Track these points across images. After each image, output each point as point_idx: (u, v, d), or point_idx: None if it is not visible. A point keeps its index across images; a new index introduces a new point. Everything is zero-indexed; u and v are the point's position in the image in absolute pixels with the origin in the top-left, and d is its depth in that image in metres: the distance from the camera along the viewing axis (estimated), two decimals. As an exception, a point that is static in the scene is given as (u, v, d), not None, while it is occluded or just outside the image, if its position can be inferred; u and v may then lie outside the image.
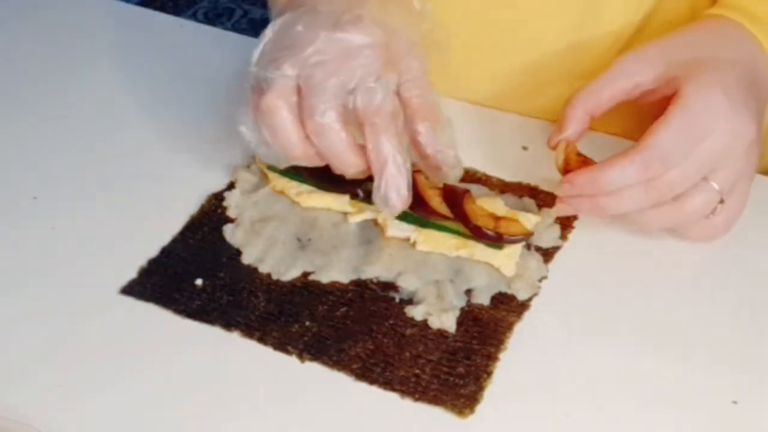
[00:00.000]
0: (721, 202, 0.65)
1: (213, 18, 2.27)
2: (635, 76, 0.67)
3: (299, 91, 0.62)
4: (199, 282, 0.66)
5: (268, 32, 0.65)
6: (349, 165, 0.63)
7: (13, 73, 0.88)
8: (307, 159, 0.64)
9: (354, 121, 0.62)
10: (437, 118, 0.64)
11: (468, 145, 0.76)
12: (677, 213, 0.65)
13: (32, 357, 0.63)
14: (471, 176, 0.73)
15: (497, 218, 0.67)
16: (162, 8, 1.92)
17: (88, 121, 0.82)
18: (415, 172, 0.65)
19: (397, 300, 0.65)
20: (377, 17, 0.65)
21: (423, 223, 0.67)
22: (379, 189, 0.62)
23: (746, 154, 0.64)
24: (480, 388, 0.60)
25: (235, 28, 2.23)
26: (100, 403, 0.60)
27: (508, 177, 0.73)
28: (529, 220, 0.68)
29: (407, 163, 0.62)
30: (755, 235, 0.70)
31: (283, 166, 0.67)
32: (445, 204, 0.67)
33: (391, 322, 0.64)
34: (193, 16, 2.28)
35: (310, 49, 0.63)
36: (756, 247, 0.69)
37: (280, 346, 0.63)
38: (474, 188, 0.71)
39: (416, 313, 0.64)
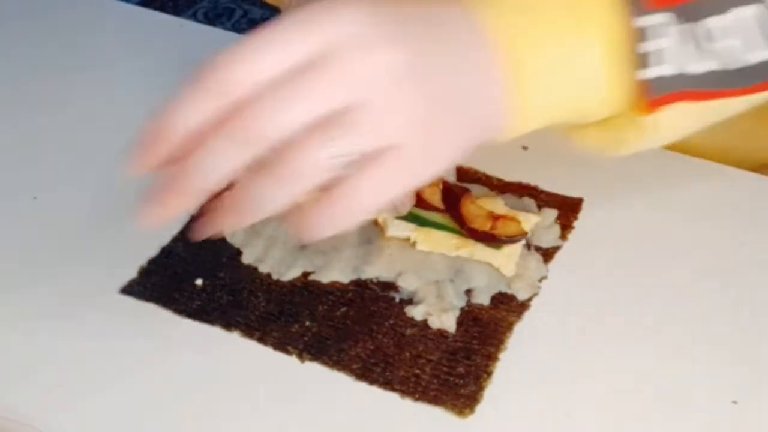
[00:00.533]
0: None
1: (213, 18, 2.27)
2: None
3: None
4: (199, 282, 0.66)
5: None
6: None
7: (13, 73, 0.88)
8: None
9: None
10: None
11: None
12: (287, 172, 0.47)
13: (32, 357, 0.63)
14: (471, 176, 0.73)
15: (495, 218, 0.67)
16: (162, 8, 1.92)
17: (88, 121, 0.82)
18: None
19: (397, 300, 0.65)
20: None
21: (421, 222, 0.68)
22: None
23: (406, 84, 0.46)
24: (480, 388, 0.60)
25: (235, 28, 2.24)
26: (100, 403, 0.60)
27: (508, 177, 0.73)
28: (529, 220, 0.68)
29: None
30: (755, 235, 0.70)
31: None
32: (444, 203, 0.67)
33: (391, 322, 0.64)
34: (193, 16, 2.28)
35: None
36: (756, 247, 0.70)
37: (280, 346, 0.63)
38: (474, 188, 0.71)
39: (416, 313, 0.64)
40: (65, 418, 0.59)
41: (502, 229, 0.66)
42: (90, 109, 0.84)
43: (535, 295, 0.66)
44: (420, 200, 0.67)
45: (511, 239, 0.66)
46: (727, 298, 0.66)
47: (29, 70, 0.88)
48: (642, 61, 0.51)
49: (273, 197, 0.47)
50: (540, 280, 0.66)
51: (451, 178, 0.70)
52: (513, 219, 0.67)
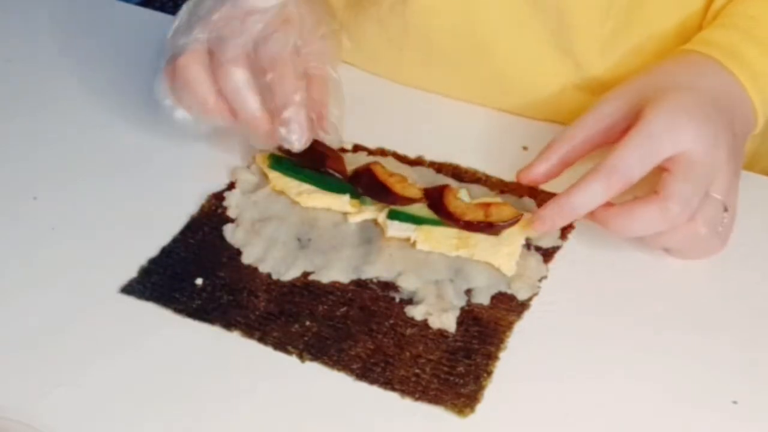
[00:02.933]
0: (726, 210, 0.66)
1: (213, 18, 2.27)
2: (607, 117, 0.68)
3: (211, 53, 0.69)
4: (199, 282, 0.66)
5: (183, 9, 0.72)
6: (253, 109, 0.68)
7: (13, 73, 0.88)
8: (220, 114, 0.69)
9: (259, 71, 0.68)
10: (328, 92, 0.70)
11: (468, 145, 0.76)
12: (692, 231, 0.65)
13: (32, 357, 0.63)
14: (471, 176, 0.74)
15: (486, 206, 0.67)
16: (162, 8, 1.91)
17: (88, 121, 0.82)
18: (373, 164, 0.70)
19: (397, 300, 0.65)
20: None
21: (418, 221, 0.68)
22: (284, 124, 0.67)
23: (729, 161, 0.65)
24: (480, 388, 0.60)
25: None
26: (100, 403, 0.60)
27: (508, 177, 0.73)
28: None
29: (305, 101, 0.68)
30: (755, 236, 0.70)
31: (200, 129, 0.72)
32: (430, 207, 0.68)
33: (391, 322, 0.64)
34: (193, 16, 2.27)
35: (216, 15, 0.70)
36: (756, 247, 0.70)
37: (280, 346, 0.63)
38: (474, 188, 0.71)
39: (416, 313, 0.64)
40: (65, 418, 0.59)
41: (497, 214, 0.67)
42: (90, 109, 0.84)
43: (535, 295, 0.66)
44: (390, 194, 0.68)
45: (509, 223, 0.66)
46: (727, 298, 0.66)
47: (29, 70, 0.88)
48: None
49: (598, 198, 0.64)
50: (540, 280, 0.66)
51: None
52: (504, 203, 0.68)
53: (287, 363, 0.62)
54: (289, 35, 0.70)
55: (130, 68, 0.88)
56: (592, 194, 0.64)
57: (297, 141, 0.68)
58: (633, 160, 0.63)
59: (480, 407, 0.59)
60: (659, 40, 0.77)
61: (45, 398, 0.60)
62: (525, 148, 0.77)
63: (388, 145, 0.76)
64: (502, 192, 0.72)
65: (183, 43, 0.70)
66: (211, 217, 0.71)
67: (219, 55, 0.69)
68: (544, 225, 0.65)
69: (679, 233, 0.65)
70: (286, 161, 0.72)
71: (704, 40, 0.71)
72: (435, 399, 0.59)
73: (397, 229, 0.68)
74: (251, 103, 0.68)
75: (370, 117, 0.80)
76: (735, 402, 0.60)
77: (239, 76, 0.68)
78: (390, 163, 0.73)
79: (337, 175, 0.70)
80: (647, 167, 0.64)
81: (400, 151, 0.76)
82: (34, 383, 0.61)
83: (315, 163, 0.71)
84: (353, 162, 0.72)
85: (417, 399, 0.60)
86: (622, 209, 0.64)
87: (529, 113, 0.80)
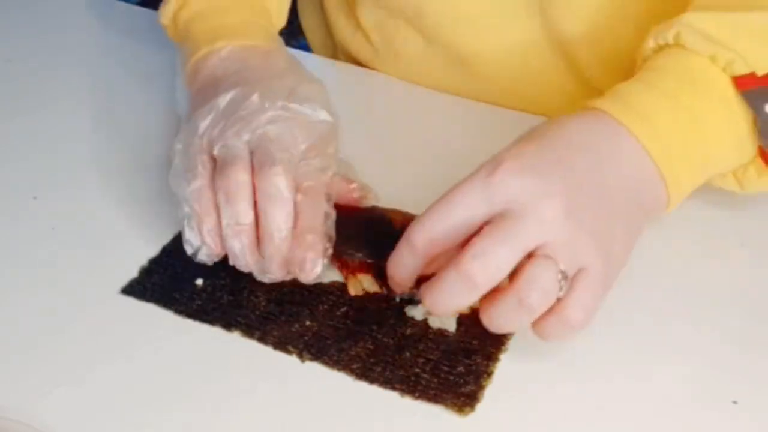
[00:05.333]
0: (564, 278, 0.56)
1: (213, 18, 2.27)
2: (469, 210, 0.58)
3: (252, 155, 0.64)
4: (199, 282, 0.66)
5: (220, 103, 0.67)
6: (280, 221, 0.62)
7: (13, 73, 0.89)
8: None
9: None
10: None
11: (467, 143, 0.76)
12: (517, 301, 0.56)
13: (32, 357, 0.63)
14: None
15: None
16: (162, 8, 1.91)
17: (88, 121, 0.82)
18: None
19: (397, 300, 0.65)
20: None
21: None
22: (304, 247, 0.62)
23: (568, 219, 0.56)
24: (480, 388, 0.60)
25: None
26: (100, 403, 0.60)
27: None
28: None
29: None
30: (755, 236, 0.70)
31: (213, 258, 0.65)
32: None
33: (392, 321, 0.64)
34: (193, 16, 2.27)
35: (264, 117, 0.66)
36: (755, 247, 0.70)
37: (281, 345, 0.63)
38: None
39: (416, 313, 0.64)
40: (65, 418, 0.59)
41: None
42: (90, 109, 0.84)
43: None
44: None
45: None
46: (727, 298, 0.66)
47: (29, 70, 0.88)
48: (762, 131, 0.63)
49: (513, 321, 0.57)
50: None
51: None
52: None
53: (287, 363, 0.62)
54: (327, 159, 0.66)
55: (130, 68, 0.88)
56: (401, 264, 0.59)
57: (305, 278, 0.63)
58: (438, 222, 0.57)
59: (480, 407, 0.59)
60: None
61: (45, 398, 0.60)
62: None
63: (381, 141, 0.76)
64: None
65: (230, 146, 0.64)
66: (211, 217, 0.71)
67: (263, 168, 0.63)
68: (394, 287, 0.62)
69: (504, 306, 0.56)
70: None
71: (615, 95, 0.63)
72: (435, 398, 0.59)
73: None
74: (281, 218, 0.62)
75: (364, 113, 0.80)
76: (735, 402, 0.60)
77: (282, 188, 0.63)
78: None
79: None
80: (454, 230, 0.57)
81: (393, 147, 0.76)
82: (34, 383, 0.61)
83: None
84: None
85: (417, 398, 0.60)
86: (428, 282, 0.58)
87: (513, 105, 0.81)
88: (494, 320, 0.57)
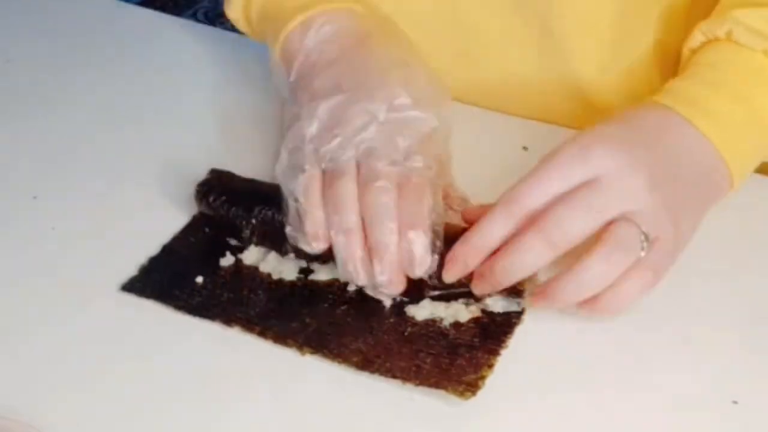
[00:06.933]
0: (646, 239, 0.60)
1: (213, 18, 2.27)
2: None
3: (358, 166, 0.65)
4: (199, 279, 0.66)
5: (321, 112, 0.67)
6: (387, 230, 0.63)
7: (14, 73, 0.89)
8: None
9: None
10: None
11: (468, 146, 0.76)
12: (605, 257, 0.60)
13: (32, 357, 0.63)
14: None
15: None
16: (162, 8, 1.91)
17: (88, 121, 0.82)
18: None
19: (398, 299, 0.65)
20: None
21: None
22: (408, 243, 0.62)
23: (652, 193, 0.61)
24: (481, 377, 0.60)
25: (235, 29, 2.23)
26: (101, 402, 0.60)
27: (508, 177, 0.73)
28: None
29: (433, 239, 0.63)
30: (755, 236, 0.70)
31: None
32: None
33: (392, 320, 0.64)
34: (193, 16, 2.28)
35: (372, 129, 0.66)
36: (756, 247, 0.70)
37: (280, 339, 0.62)
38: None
39: (416, 312, 0.64)
40: (65, 418, 0.59)
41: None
42: (90, 109, 0.84)
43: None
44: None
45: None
46: (727, 298, 0.66)
47: (29, 70, 0.88)
48: None
49: (599, 278, 0.60)
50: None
51: None
52: None
53: (287, 357, 0.62)
54: (429, 156, 0.66)
55: (130, 68, 0.88)
56: (491, 228, 0.62)
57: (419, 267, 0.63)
58: (533, 187, 0.62)
59: (480, 406, 0.59)
60: (656, 52, 0.78)
61: (45, 398, 0.60)
62: (525, 148, 0.77)
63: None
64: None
65: (337, 159, 0.65)
66: (212, 215, 0.71)
67: (367, 176, 0.64)
68: (457, 266, 0.63)
69: (589, 260, 0.60)
70: None
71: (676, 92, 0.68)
72: (436, 384, 0.59)
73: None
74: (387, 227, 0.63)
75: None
76: (735, 402, 0.60)
77: (386, 198, 0.63)
78: None
79: None
80: (548, 197, 0.61)
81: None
82: (35, 383, 0.61)
83: None
84: None
85: (418, 384, 0.59)
86: (503, 247, 0.61)
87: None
88: (581, 276, 0.60)
